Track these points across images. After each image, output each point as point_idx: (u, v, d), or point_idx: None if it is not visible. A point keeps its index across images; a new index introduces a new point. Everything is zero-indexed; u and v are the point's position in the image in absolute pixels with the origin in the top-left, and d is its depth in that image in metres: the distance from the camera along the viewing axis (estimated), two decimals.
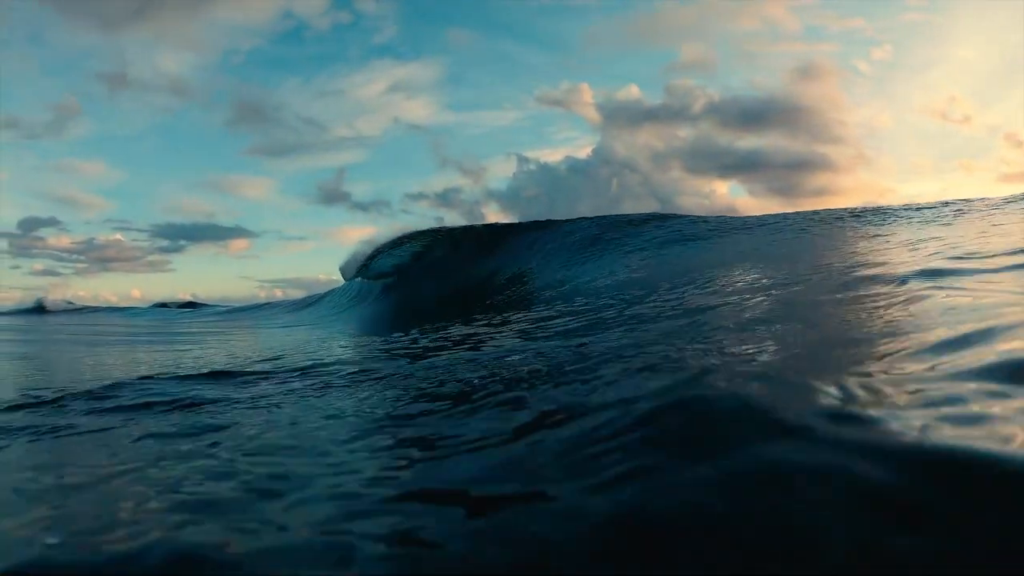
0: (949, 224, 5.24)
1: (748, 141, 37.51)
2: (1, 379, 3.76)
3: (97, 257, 39.90)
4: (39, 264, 40.65)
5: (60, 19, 39.92)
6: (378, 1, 38.67)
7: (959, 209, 6.57)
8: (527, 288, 7.24)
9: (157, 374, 3.05)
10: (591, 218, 9.73)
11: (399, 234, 11.39)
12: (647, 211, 9.92)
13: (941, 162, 36.45)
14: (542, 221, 10.61)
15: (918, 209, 7.17)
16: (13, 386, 3.16)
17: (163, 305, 26.96)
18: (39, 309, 26.22)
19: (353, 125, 43.19)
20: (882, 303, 2.09)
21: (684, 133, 37.24)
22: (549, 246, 8.93)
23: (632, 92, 37.52)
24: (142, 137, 42.91)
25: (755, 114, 34.86)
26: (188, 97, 42.78)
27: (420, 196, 34.54)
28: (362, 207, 36.87)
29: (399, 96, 41.29)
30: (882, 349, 1.46)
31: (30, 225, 40.74)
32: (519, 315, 4.53)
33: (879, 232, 5.38)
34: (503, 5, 38.39)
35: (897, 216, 6.84)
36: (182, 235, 47.90)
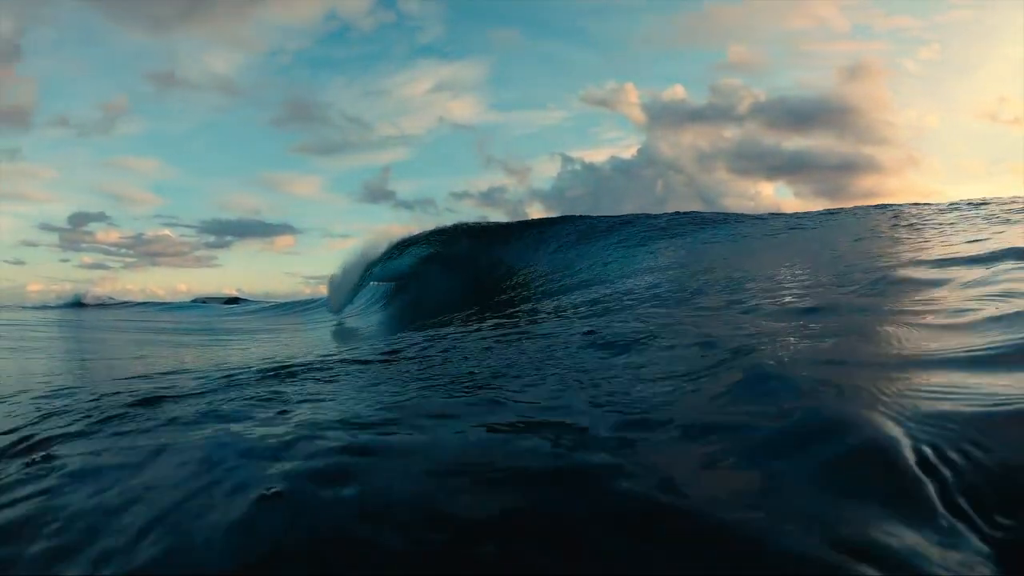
0: None
1: (795, 142, 37.44)
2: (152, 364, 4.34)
3: (145, 251, 41.32)
4: (88, 257, 42.09)
5: (110, 21, 41.27)
6: (422, 1, 39.34)
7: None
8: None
9: (289, 358, 3.60)
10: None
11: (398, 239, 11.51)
12: (692, 211, 10.37)
13: (991, 164, 36.03)
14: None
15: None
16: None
17: (203, 301, 27.96)
18: (77, 304, 27.26)
19: (398, 124, 44.10)
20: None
21: (730, 134, 37.34)
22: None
23: (678, 92, 37.70)
24: (191, 135, 44.35)
25: (802, 114, 34.82)
26: (236, 96, 44.03)
27: (465, 195, 35.26)
28: (407, 205, 37.55)
29: (444, 95, 42.01)
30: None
31: (80, 220, 42.24)
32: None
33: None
34: (549, 5, 38.67)
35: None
36: (228, 231, 49.16)
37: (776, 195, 35.37)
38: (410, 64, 42.90)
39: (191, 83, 43.80)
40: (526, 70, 43.63)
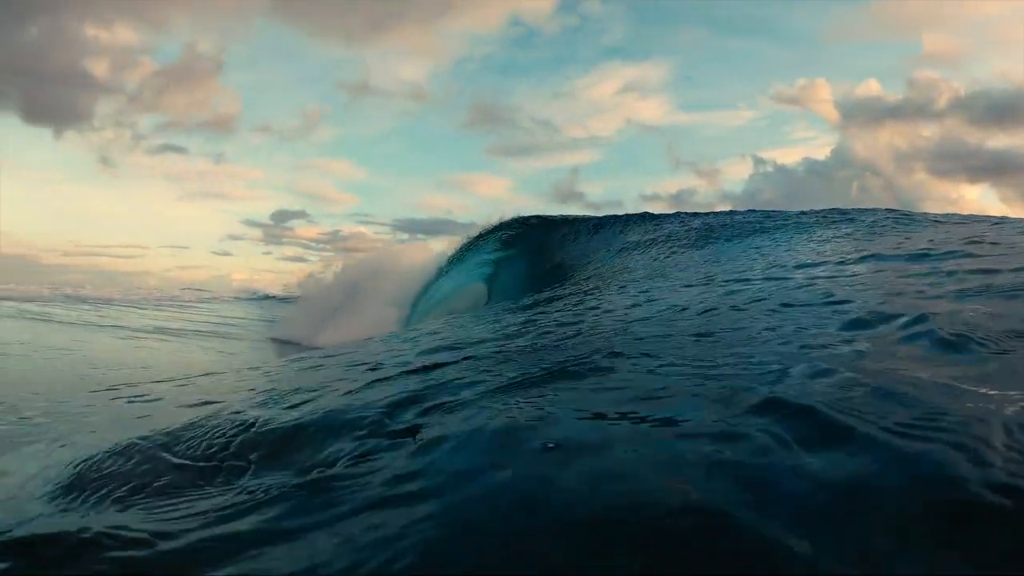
0: None
1: (1000, 140, 31.58)
2: None
3: (341, 247, 45.94)
4: (289, 251, 47.75)
5: (306, 37, 47.03)
6: (604, 3, 39.51)
7: None
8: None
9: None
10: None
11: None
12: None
13: None
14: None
15: None
16: None
17: None
18: (265, 298, 31.52)
19: (586, 126, 44.84)
20: None
21: (928, 132, 32.53)
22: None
23: (872, 87, 33.77)
24: (383, 139, 48.77)
25: (1007, 108, 29.22)
26: (425, 102, 47.54)
27: (654, 197, 34.85)
28: (595, 207, 37.77)
29: (631, 96, 41.85)
30: None
31: (281, 217, 48.51)
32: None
33: None
34: (733, 1, 36.35)
35: None
36: (421, 229, 52.89)
37: (981, 199, 29.79)
38: (595, 66, 43.13)
39: (383, 91, 47.83)
40: (713, 69, 41.55)
